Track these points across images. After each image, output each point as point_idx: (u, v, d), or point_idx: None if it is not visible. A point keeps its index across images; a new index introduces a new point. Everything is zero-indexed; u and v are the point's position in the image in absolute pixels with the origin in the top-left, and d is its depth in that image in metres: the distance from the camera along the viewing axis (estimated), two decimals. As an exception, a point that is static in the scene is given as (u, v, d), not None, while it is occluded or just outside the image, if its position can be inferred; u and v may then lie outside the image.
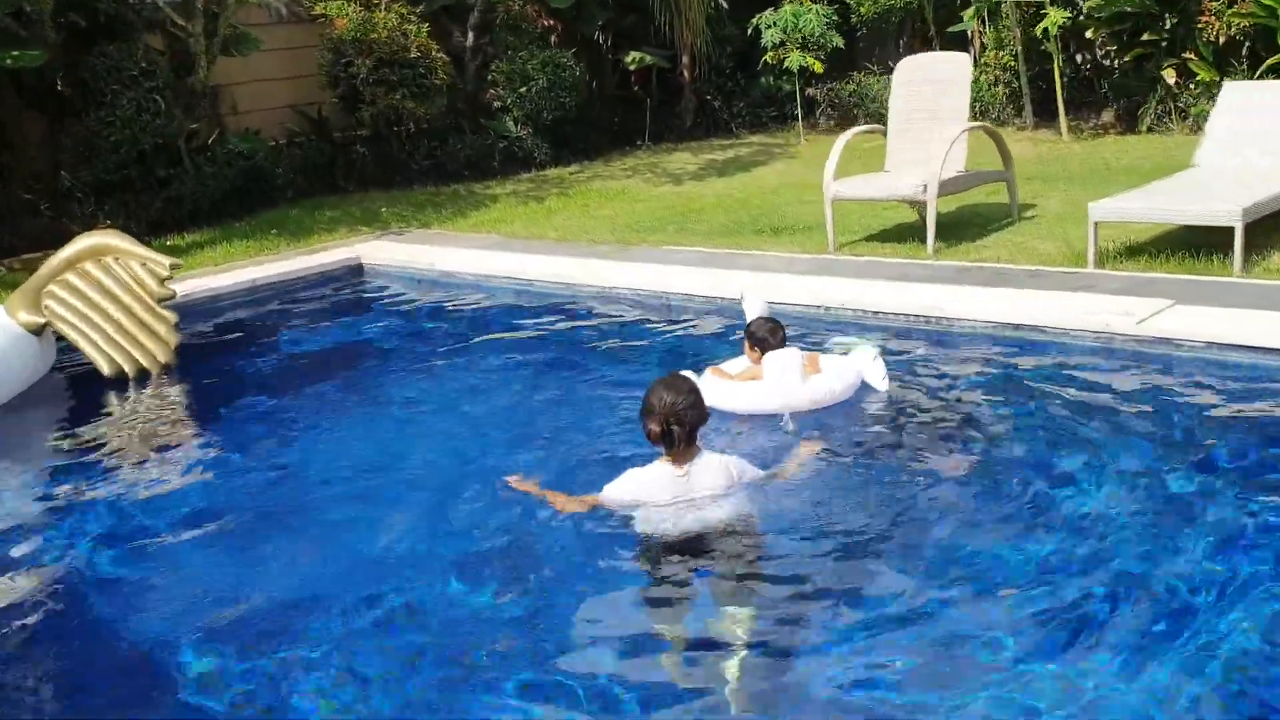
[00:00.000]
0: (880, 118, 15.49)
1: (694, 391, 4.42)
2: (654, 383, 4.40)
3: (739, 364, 5.92)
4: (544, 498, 4.65)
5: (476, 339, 7.93)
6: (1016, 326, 6.47)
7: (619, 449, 5.15)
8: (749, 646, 3.70)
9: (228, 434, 6.35)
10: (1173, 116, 13.37)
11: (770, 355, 5.67)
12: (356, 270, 10.30)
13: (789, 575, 4.14)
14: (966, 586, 3.89)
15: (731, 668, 3.58)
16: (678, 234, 10.41)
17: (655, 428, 4.31)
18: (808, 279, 7.80)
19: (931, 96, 9.07)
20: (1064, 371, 5.93)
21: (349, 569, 4.49)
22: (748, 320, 6.01)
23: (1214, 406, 5.39)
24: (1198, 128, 12.93)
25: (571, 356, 7.25)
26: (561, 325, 8.00)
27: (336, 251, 10.63)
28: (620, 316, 8.09)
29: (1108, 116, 14.30)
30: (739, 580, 4.13)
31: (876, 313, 7.05)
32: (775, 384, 5.55)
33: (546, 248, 10.20)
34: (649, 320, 7.90)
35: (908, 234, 9.18)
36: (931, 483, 4.78)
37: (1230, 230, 7.08)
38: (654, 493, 4.40)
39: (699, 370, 5.71)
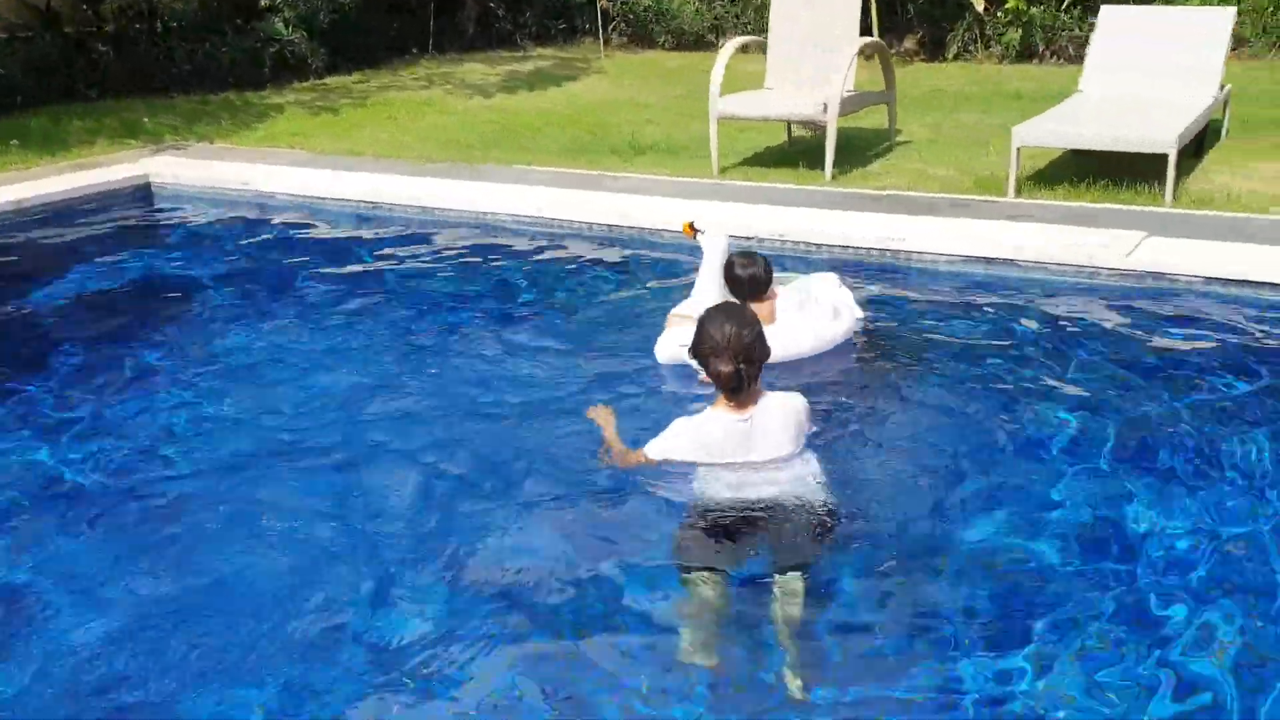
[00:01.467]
0: (681, 36, 14.89)
1: (757, 320, 3.69)
2: (708, 313, 3.69)
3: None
4: (607, 441, 4.02)
5: (319, 274, 6.62)
6: (989, 260, 5.93)
7: (521, 398, 4.43)
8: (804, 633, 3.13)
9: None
10: (979, 44, 13.35)
11: (793, 288, 4.89)
12: (144, 190, 8.64)
13: (863, 544, 3.52)
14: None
15: (790, 669, 3.01)
16: (519, 151, 9.40)
17: (727, 367, 3.54)
18: (744, 207, 7.00)
19: (821, 11, 8.39)
20: (1061, 309, 5.49)
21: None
22: (709, 255, 5.11)
23: (1235, 344, 5.02)
24: (1005, 56, 13.02)
25: (442, 294, 6.19)
26: (425, 256, 6.89)
27: (116, 168, 8.89)
28: (501, 244, 7.05)
29: (910, 43, 14.15)
30: (801, 552, 3.48)
31: (821, 245, 6.34)
32: (804, 322, 4.74)
33: (383, 165, 8.94)
34: (539, 249, 6.91)
35: (787, 158, 8.55)
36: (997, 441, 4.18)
37: (1150, 157, 6.91)
38: (714, 446, 3.68)
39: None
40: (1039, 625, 3.13)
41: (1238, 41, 11.45)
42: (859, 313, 5.07)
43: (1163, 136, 6.79)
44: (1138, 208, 6.83)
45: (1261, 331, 5.10)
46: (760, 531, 3.55)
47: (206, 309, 6.13)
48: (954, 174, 8.02)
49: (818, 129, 8.45)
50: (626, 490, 3.83)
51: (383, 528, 3.73)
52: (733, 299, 5.02)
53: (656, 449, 3.76)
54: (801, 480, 3.67)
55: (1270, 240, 5.88)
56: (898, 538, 3.58)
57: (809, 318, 4.84)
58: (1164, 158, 6.77)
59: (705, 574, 3.36)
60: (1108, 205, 6.89)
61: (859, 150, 8.79)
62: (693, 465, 3.70)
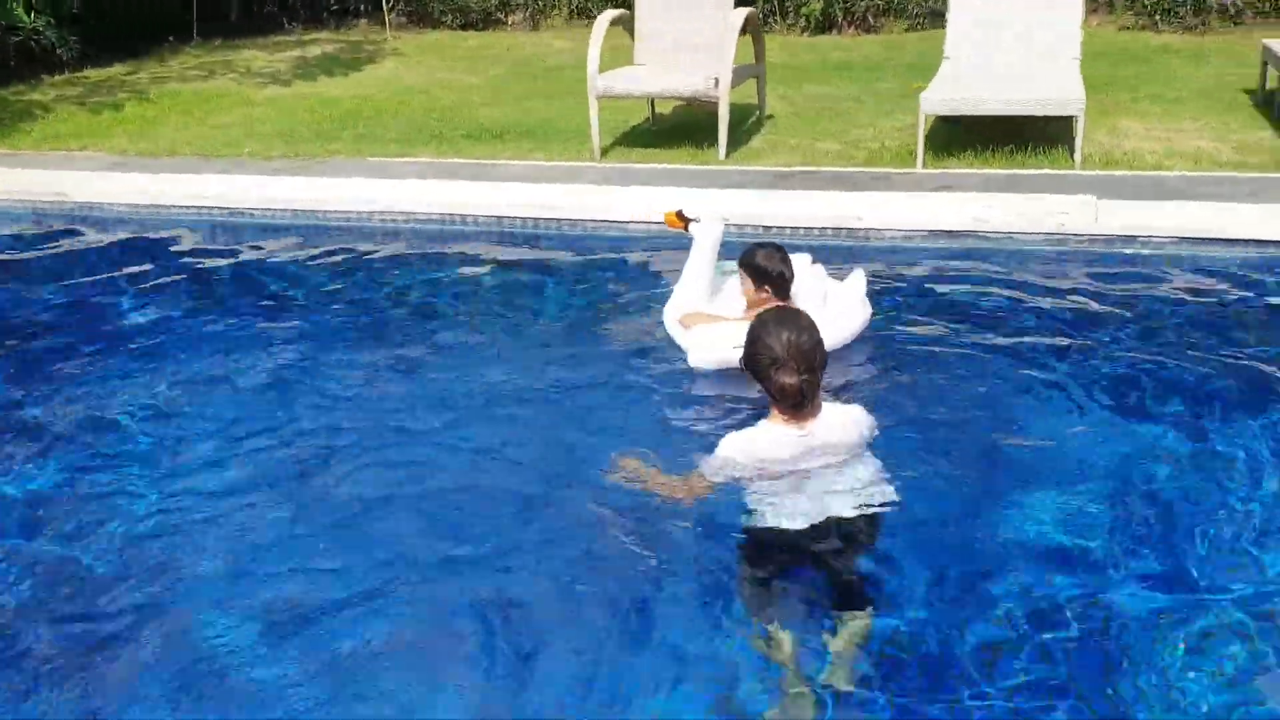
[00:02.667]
0: (467, 14, 14.19)
1: (814, 324, 3.35)
2: (761, 320, 3.36)
3: (724, 309, 4.62)
4: (652, 484, 3.56)
5: (171, 294, 5.68)
6: (951, 233, 5.76)
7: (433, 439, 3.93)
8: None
9: None
10: (777, 16, 13.32)
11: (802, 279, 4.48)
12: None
13: (926, 573, 3.18)
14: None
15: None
16: (362, 142, 8.64)
17: (791, 379, 3.21)
18: (681, 191, 6.53)
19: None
20: (1045, 277, 5.38)
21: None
22: (702, 245, 4.67)
23: (1213, 303, 5.04)
24: (806, 28, 13.06)
25: (370, 307, 5.48)
26: (325, 265, 6.09)
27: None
28: (394, 252, 6.33)
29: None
30: (860, 580, 3.20)
31: (771, 228, 5.99)
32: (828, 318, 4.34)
33: (225, 166, 7.92)
34: (442, 252, 6.24)
35: (663, 137, 8.16)
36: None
37: (1035, 121, 7.05)
38: (771, 463, 3.34)
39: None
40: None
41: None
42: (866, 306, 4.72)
43: (1071, 97, 6.83)
44: (1056, 171, 6.85)
45: (1254, 284, 5.13)
46: (824, 566, 3.23)
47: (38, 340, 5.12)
48: (842, 147, 7.86)
49: (702, 105, 8.08)
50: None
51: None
52: (723, 293, 4.62)
53: (712, 469, 3.39)
54: (864, 493, 3.35)
55: (1216, 197, 5.98)
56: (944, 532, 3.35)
57: (831, 313, 4.43)
58: (1058, 121, 6.86)
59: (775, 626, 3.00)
60: (1027, 171, 6.88)
61: (729, 127, 8.48)
62: (746, 486, 3.36)
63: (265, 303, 5.53)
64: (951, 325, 4.81)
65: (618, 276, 5.66)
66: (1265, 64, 8.48)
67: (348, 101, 10.19)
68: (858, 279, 4.66)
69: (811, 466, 3.33)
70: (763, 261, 4.42)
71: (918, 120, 7.07)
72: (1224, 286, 5.16)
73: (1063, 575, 3.14)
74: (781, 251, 4.50)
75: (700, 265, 4.70)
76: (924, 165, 7.11)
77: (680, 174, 7.16)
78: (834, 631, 2.93)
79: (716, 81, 7.43)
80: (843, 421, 3.41)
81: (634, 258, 5.91)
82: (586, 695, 2.80)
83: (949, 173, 6.92)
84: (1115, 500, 3.49)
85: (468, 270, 5.89)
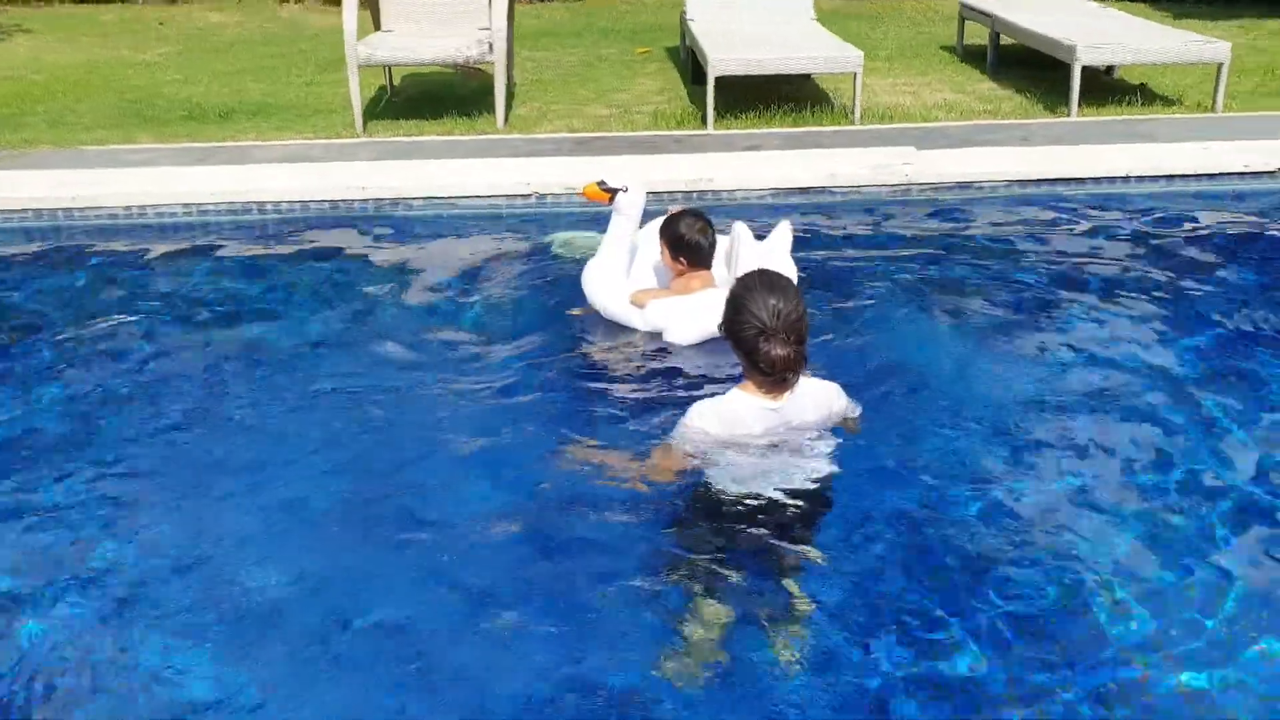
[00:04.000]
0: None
1: (799, 291, 3.17)
2: (745, 288, 3.08)
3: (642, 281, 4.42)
4: (618, 469, 3.34)
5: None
6: (795, 190, 5.80)
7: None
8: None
9: None
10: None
11: (749, 256, 4.30)
12: None
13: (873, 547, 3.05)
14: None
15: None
16: (57, 129, 7.39)
17: (783, 350, 2.98)
18: (498, 162, 6.14)
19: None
20: (901, 226, 5.52)
21: None
22: (628, 215, 4.44)
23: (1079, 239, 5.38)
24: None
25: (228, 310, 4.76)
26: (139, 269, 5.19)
27: None
28: (205, 243, 5.50)
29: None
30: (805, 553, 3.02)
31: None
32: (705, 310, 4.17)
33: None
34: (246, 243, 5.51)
35: (418, 109, 7.64)
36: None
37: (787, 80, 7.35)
38: (744, 434, 3.12)
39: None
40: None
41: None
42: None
43: (850, 55, 7.06)
44: (840, 127, 7.06)
45: (1081, 216, 5.53)
46: (773, 532, 3.03)
47: None
48: (613, 111, 7.71)
49: (469, 72, 7.62)
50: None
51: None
52: (633, 264, 4.40)
53: (682, 438, 3.15)
54: (823, 469, 3.19)
55: (998, 142, 6.42)
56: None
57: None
58: (806, 81, 7.07)
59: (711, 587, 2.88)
60: (818, 128, 7.03)
61: (480, 94, 8.09)
62: (707, 456, 3.15)
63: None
64: (841, 274, 4.83)
65: (500, 253, 5.22)
66: (963, 20, 9.19)
67: (9, 83, 8.72)
68: (784, 233, 4.48)
69: (779, 440, 3.15)
70: (680, 229, 4.23)
71: (672, 84, 7.06)
72: (1051, 217, 5.53)
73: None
74: (703, 220, 4.30)
75: (624, 235, 4.42)
76: (714, 127, 7.09)
77: (465, 145, 6.72)
78: (776, 610, 2.78)
79: (491, 46, 7.01)
80: (816, 399, 3.21)
81: (499, 234, 5.49)
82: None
83: (751, 133, 6.95)
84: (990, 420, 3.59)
85: (323, 261, 5.22)
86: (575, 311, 4.49)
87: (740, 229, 4.29)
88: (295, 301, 4.77)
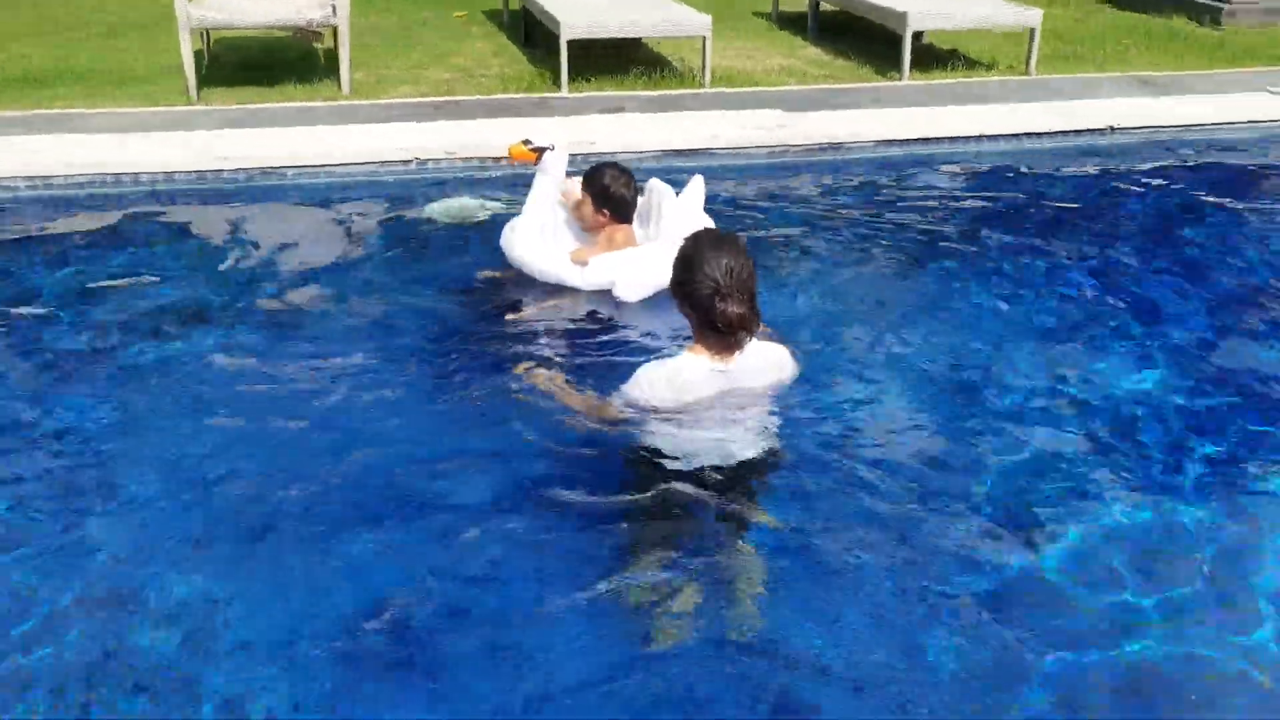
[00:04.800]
0: None
1: (746, 249, 3.05)
2: (693, 246, 2.99)
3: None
4: (561, 398, 3.36)
5: None
6: (680, 152, 5.87)
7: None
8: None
9: None
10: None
11: (672, 211, 4.34)
12: None
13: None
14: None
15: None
16: None
17: (738, 308, 2.90)
18: (376, 128, 5.88)
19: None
20: (786, 184, 5.65)
21: None
22: (553, 173, 4.41)
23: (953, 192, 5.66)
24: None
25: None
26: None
27: None
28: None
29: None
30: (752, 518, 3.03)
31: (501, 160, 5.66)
32: (652, 265, 4.21)
33: None
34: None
35: (249, 75, 7.23)
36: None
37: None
38: (688, 396, 3.06)
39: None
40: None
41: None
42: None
43: (699, 20, 7.15)
44: (692, 90, 7.15)
45: (946, 172, 5.84)
46: (721, 498, 3.00)
47: None
48: (456, 75, 7.55)
49: (307, 35, 7.25)
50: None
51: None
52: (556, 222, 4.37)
53: (628, 399, 3.10)
54: (763, 438, 3.17)
55: (853, 105, 6.68)
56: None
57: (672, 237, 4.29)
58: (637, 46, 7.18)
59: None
60: (672, 91, 7.09)
61: (309, 58, 7.76)
62: (652, 417, 3.09)
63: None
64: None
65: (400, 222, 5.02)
66: (778, -13, 9.45)
67: None
68: (697, 188, 4.49)
69: (727, 402, 3.09)
70: (606, 182, 4.25)
71: (503, 47, 7.04)
72: (918, 173, 5.81)
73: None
74: (627, 175, 4.32)
75: (549, 194, 4.38)
76: (568, 90, 7.04)
77: (317, 112, 6.43)
78: (725, 573, 2.80)
79: (334, 9, 6.71)
80: (766, 361, 3.15)
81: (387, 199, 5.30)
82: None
83: (609, 95, 6.95)
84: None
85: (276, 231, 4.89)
86: (490, 273, 4.39)
87: (658, 185, 4.32)
88: (183, 281, 4.41)
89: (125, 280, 4.36)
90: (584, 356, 3.79)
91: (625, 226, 4.37)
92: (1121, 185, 5.72)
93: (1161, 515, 2.99)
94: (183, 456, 3.18)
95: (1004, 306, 4.26)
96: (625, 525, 2.93)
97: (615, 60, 7.57)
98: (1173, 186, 5.72)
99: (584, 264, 4.22)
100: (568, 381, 3.45)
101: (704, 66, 7.23)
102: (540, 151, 4.31)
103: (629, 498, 3.00)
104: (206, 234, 4.88)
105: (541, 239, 4.33)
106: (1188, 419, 3.46)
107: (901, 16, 7.42)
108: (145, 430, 3.32)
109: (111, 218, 5.02)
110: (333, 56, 7.77)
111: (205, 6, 6.56)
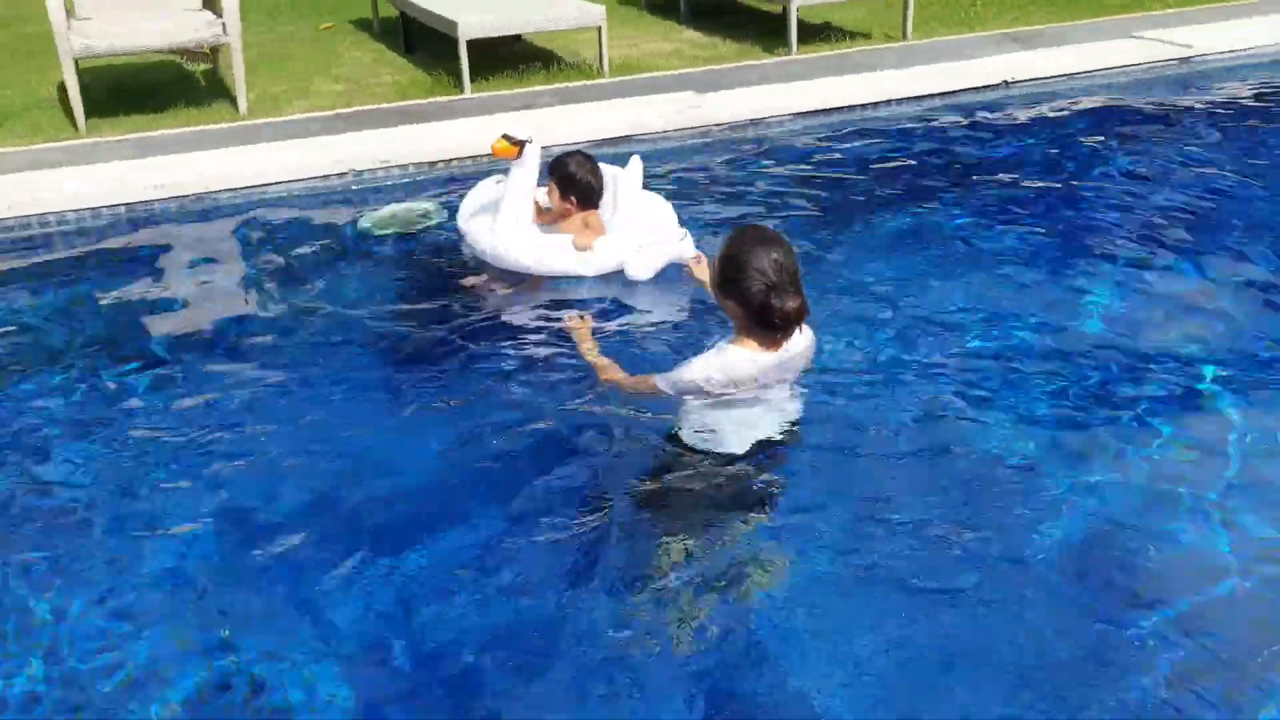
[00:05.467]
0: None
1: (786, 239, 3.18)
2: (737, 243, 2.99)
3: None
4: (588, 357, 3.43)
5: None
6: (611, 140, 5.91)
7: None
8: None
9: None
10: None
11: (629, 193, 4.43)
12: None
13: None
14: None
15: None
16: None
17: (795, 303, 2.91)
18: (303, 143, 5.74)
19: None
20: (710, 163, 5.76)
21: None
22: (530, 166, 4.42)
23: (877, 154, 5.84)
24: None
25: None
26: None
27: None
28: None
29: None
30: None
31: (450, 161, 5.66)
32: (659, 242, 4.29)
33: None
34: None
35: (127, 101, 6.92)
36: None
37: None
38: (745, 386, 3.09)
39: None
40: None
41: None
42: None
43: (594, 12, 7.19)
44: (591, 81, 7.17)
45: (864, 136, 6.05)
46: (748, 477, 3.08)
47: None
48: (343, 86, 7.38)
49: (199, 57, 6.99)
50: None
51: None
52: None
53: (671, 382, 3.09)
54: (792, 414, 3.24)
55: (741, 84, 6.80)
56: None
57: (650, 231, 4.33)
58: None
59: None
60: (573, 83, 7.12)
61: (186, 80, 7.50)
62: (691, 403, 3.11)
63: None
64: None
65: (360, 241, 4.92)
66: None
67: None
68: (635, 169, 4.54)
69: (767, 389, 3.14)
70: (572, 169, 4.33)
71: (383, 55, 6.98)
72: (838, 141, 6.00)
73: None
74: (592, 161, 4.40)
75: (529, 187, 4.40)
76: (470, 91, 6.99)
77: (225, 134, 6.21)
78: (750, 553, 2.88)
79: (225, 27, 6.49)
80: (806, 343, 3.17)
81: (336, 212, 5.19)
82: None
83: (515, 93, 6.93)
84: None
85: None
86: (471, 281, 4.35)
87: (611, 169, 4.40)
88: (156, 316, 4.24)
89: (96, 313, 4.18)
90: (612, 340, 3.79)
91: (594, 212, 4.41)
92: (1019, 135, 6.04)
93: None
94: (174, 491, 3.10)
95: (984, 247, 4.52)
96: (649, 509, 3.00)
97: (504, 59, 7.54)
98: (1074, 130, 6.05)
99: (588, 249, 4.22)
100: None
101: (601, 56, 7.26)
102: (521, 145, 4.30)
103: (653, 485, 3.05)
104: (158, 265, 4.69)
105: (528, 232, 4.33)
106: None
107: (789, -7, 7.60)
108: (130, 468, 3.21)
109: (47, 257, 4.78)
110: (211, 77, 7.54)
111: (87, 34, 6.24)
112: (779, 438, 3.11)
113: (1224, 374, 3.49)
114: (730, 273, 2.96)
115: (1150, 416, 3.32)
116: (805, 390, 3.22)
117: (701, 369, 3.04)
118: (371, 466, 3.22)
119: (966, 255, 4.51)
